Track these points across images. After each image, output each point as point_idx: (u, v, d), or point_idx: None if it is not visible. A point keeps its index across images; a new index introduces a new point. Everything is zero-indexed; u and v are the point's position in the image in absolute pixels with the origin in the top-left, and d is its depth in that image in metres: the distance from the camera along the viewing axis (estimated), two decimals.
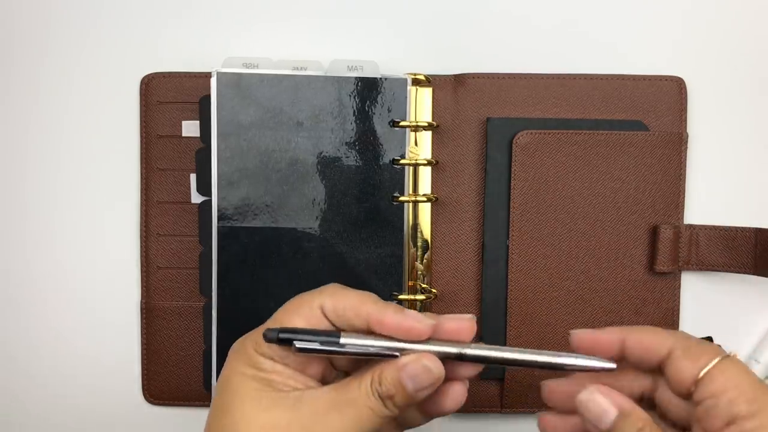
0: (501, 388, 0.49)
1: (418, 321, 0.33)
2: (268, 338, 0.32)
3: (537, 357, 0.34)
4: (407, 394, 0.32)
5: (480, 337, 0.49)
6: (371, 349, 0.33)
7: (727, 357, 0.31)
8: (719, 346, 0.34)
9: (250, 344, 0.33)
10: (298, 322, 0.33)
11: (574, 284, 0.48)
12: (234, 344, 0.34)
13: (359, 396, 0.32)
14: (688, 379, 0.31)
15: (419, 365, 0.32)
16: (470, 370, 0.35)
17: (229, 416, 0.32)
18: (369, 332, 0.33)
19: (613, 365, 0.34)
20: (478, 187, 0.49)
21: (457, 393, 0.34)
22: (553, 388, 0.36)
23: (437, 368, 0.32)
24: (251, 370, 0.33)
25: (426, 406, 0.35)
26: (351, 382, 0.33)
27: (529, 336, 0.48)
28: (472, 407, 0.49)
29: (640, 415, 0.32)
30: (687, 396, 0.32)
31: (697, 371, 0.31)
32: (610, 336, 0.34)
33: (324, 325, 0.33)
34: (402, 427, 0.36)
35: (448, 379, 0.34)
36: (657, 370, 0.33)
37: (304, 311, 0.33)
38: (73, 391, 0.50)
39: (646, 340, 0.33)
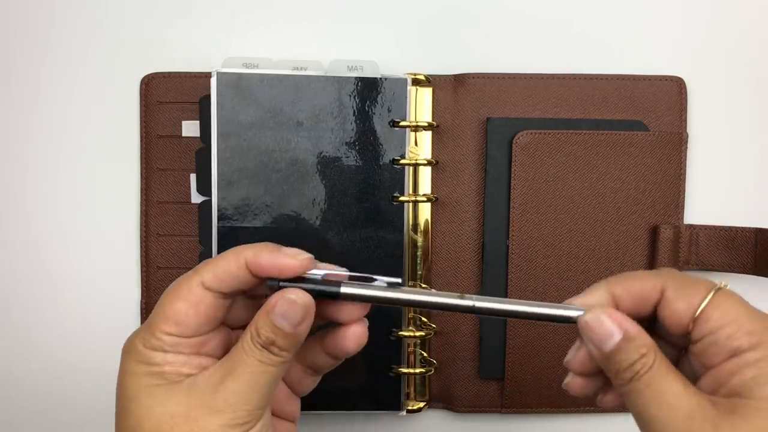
0: (501, 387, 0.49)
1: (292, 256, 0.32)
2: (270, 287, 0.32)
3: (544, 309, 0.32)
4: (287, 334, 0.32)
5: (480, 337, 0.49)
6: (371, 293, 0.33)
7: (719, 290, 0.31)
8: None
9: (139, 341, 0.32)
10: (181, 307, 0.32)
11: (574, 284, 0.48)
12: (124, 344, 0.33)
13: (244, 354, 0.32)
14: (684, 321, 0.31)
15: (284, 301, 0.32)
16: (361, 311, 0.34)
17: (132, 418, 0.31)
18: (256, 285, 0.33)
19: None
20: (478, 187, 0.49)
21: (357, 333, 0.34)
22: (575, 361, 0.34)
23: (302, 298, 0.32)
24: (142, 367, 0.32)
25: (328, 347, 0.35)
26: (236, 346, 0.32)
27: (530, 335, 0.48)
28: (472, 407, 0.49)
29: (645, 340, 0.30)
30: (686, 335, 0.31)
31: (692, 311, 0.30)
32: (598, 295, 0.32)
33: (208, 301, 0.32)
34: (317, 372, 0.36)
35: (349, 322, 0.34)
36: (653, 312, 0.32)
37: (183, 292, 0.32)
38: (72, 391, 0.50)
39: (634, 289, 0.32)
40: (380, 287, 0.33)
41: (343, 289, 0.33)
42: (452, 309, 0.33)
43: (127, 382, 0.32)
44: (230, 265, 0.32)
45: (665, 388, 0.30)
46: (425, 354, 0.49)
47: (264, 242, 0.33)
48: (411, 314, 0.48)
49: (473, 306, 0.32)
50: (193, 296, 0.32)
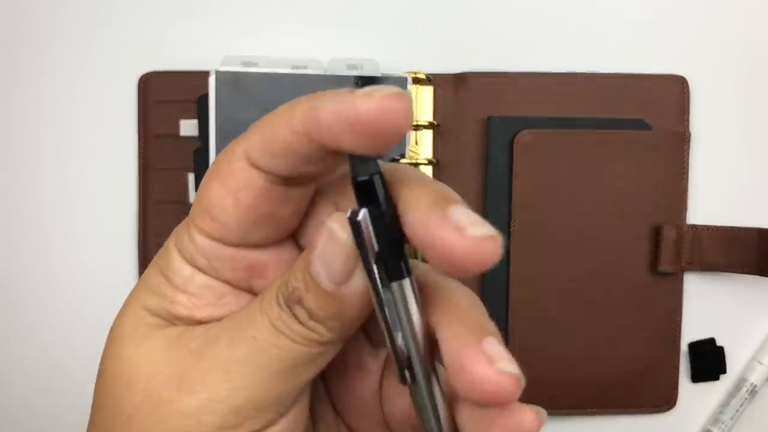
0: None
1: (367, 96, 0.18)
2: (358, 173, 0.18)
3: None
4: (322, 292, 0.19)
5: None
6: None
7: None
8: None
9: (155, 269, 0.21)
10: (216, 191, 0.20)
11: (575, 284, 0.48)
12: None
13: (257, 310, 0.20)
14: None
15: (325, 233, 0.19)
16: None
17: (111, 364, 0.22)
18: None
19: None
20: (479, 187, 0.48)
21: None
22: None
23: (343, 226, 0.18)
24: (153, 314, 0.21)
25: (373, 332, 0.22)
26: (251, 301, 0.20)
27: (531, 335, 0.48)
28: None
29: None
30: None
31: None
32: None
33: (255, 186, 0.20)
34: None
35: None
36: None
37: (222, 168, 0.20)
38: (71, 392, 0.50)
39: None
40: None
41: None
42: None
43: (127, 319, 0.22)
44: (281, 129, 0.20)
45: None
46: None
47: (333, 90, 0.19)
48: None
49: None
50: (233, 177, 0.20)
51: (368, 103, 0.18)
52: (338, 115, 0.18)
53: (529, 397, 0.50)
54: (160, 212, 0.49)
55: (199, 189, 0.21)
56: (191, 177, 0.48)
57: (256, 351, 0.19)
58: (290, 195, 0.20)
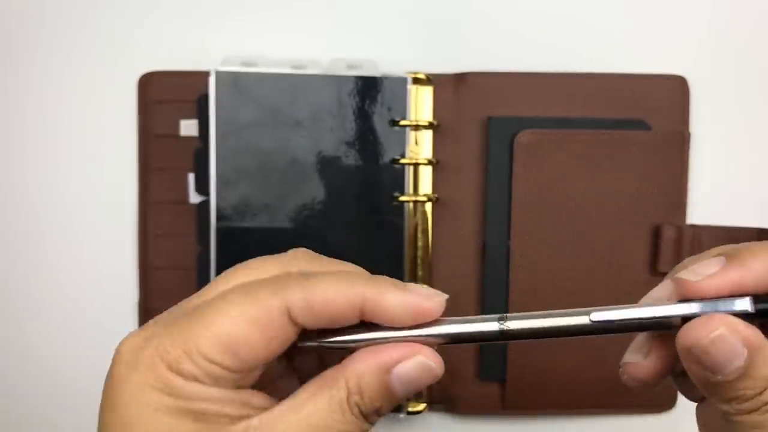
0: (502, 388, 0.49)
1: (428, 298, 0.24)
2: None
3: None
4: (397, 400, 0.24)
5: None
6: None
7: None
8: None
9: (160, 358, 0.22)
10: (248, 335, 0.22)
11: (575, 284, 0.48)
12: (121, 347, 0.23)
13: (332, 416, 0.23)
14: None
15: (417, 364, 0.23)
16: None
17: None
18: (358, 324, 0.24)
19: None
20: (479, 187, 0.48)
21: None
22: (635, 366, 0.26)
23: (439, 364, 0.24)
24: (165, 397, 0.22)
25: None
26: (316, 396, 0.23)
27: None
28: (473, 409, 0.49)
29: None
30: None
31: None
32: (757, 267, 0.23)
33: (286, 336, 0.23)
34: None
35: None
36: None
37: (259, 315, 0.22)
38: (69, 392, 0.50)
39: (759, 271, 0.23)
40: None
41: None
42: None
43: (136, 414, 0.22)
44: (337, 299, 0.23)
45: None
46: None
47: (377, 276, 0.24)
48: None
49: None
50: (271, 326, 0.22)
51: (429, 302, 0.23)
52: (405, 306, 0.23)
53: (529, 397, 0.50)
54: (160, 212, 0.49)
55: (204, 315, 0.22)
56: (191, 177, 0.48)
57: None
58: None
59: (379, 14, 0.49)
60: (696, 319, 0.23)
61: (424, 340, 0.24)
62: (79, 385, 0.50)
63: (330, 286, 0.23)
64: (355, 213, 0.46)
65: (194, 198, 0.48)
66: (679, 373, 0.26)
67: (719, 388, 0.23)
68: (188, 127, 0.48)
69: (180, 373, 0.22)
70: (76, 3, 0.49)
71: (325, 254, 0.29)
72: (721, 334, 0.22)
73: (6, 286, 0.50)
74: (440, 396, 0.49)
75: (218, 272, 0.46)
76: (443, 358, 0.25)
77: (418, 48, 0.49)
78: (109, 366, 0.24)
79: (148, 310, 0.49)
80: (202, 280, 0.47)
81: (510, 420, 0.50)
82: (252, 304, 0.22)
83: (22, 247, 0.50)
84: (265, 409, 0.23)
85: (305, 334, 0.24)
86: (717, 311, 0.23)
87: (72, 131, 0.50)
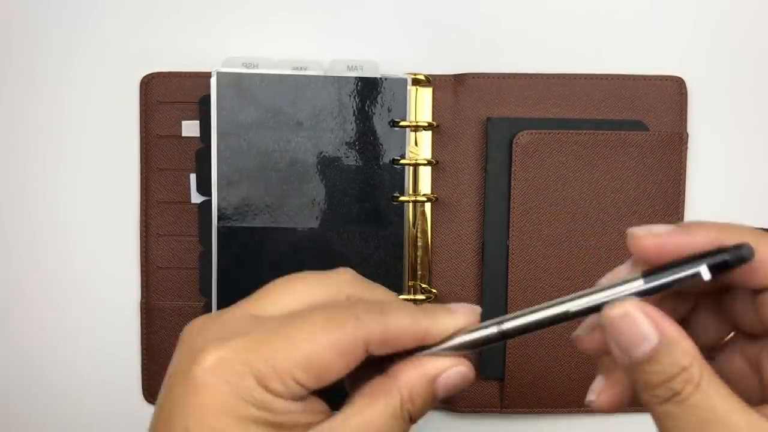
0: (501, 387, 0.49)
1: (470, 313, 0.28)
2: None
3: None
4: (433, 404, 0.27)
5: None
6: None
7: None
8: None
9: (249, 374, 0.25)
10: (333, 363, 0.25)
11: (574, 285, 0.48)
12: (207, 356, 0.25)
13: (387, 422, 0.26)
14: None
15: (457, 374, 0.27)
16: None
17: None
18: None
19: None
20: (479, 187, 0.49)
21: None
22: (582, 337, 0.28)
23: (472, 372, 0.27)
24: (253, 410, 0.25)
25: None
26: (372, 404, 0.26)
27: (530, 335, 0.48)
28: (472, 407, 0.49)
29: (688, 348, 0.23)
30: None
31: None
32: (699, 238, 0.24)
33: (358, 362, 0.26)
34: None
35: None
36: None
37: (345, 346, 0.25)
38: (72, 390, 0.50)
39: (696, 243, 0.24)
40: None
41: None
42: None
43: (226, 424, 0.24)
44: (407, 334, 0.26)
45: (719, 414, 0.23)
46: None
47: (430, 305, 0.28)
48: (411, 282, 0.48)
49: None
50: (353, 356, 0.26)
51: (472, 317, 0.28)
52: (455, 328, 0.27)
53: (529, 396, 0.50)
54: (162, 212, 0.49)
55: (297, 341, 0.25)
56: (193, 177, 0.49)
57: None
58: None
59: (379, 16, 0.50)
60: (616, 299, 0.25)
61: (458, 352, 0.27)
62: (83, 381, 0.50)
63: (402, 322, 0.26)
64: (355, 213, 0.47)
65: (196, 198, 0.49)
66: None
67: (635, 374, 0.24)
68: (190, 128, 0.49)
69: (267, 389, 0.24)
70: (79, 5, 0.49)
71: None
72: (628, 312, 0.24)
73: (9, 285, 0.50)
74: None
75: (219, 272, 0.46)
76: None
77: (418, 49, 0.50)
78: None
79: (150, 309, 0.49)
80: (204, 280, 0.48)
81: (509, 418, 0.50)
82: (338, 333, 0.25)
83: (25, 246, 0.50)
84: (321, 412, 0.26)
85: None
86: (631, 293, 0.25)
87: (75, 132, 0.50)
